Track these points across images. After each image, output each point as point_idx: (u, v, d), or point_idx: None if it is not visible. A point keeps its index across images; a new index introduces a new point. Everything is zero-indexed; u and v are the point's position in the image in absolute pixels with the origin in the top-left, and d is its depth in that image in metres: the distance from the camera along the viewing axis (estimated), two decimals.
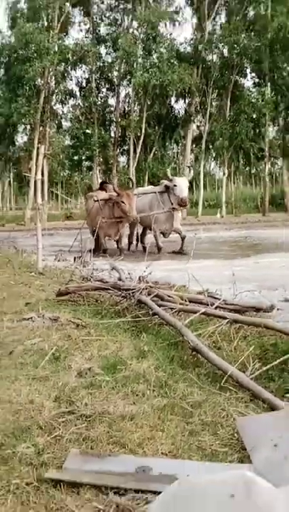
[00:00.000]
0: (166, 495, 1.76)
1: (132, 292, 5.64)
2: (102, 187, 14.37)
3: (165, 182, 12.82)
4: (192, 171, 19.25)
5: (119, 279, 6.66)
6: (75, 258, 10.42)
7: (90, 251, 12.43)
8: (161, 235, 12.92)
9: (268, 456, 2.32)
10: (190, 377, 3.55)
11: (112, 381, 3.49)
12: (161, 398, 3.20)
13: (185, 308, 5.06)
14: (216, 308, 5.00)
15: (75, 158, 33.88)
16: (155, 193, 12.77)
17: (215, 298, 5.41)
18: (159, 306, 5.12)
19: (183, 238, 12.65)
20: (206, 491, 1.74)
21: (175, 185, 12.27)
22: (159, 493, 1.85)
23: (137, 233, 13.37)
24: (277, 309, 5.17)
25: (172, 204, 12.33)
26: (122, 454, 2.58)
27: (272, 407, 2.97)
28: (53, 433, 2.78)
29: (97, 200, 12.03)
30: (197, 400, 3.16)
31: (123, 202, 11.49)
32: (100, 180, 33.86)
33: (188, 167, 23.56)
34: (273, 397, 3.08)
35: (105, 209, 11.89)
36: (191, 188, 34.94)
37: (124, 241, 13.14)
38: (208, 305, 5.06)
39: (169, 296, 5.47)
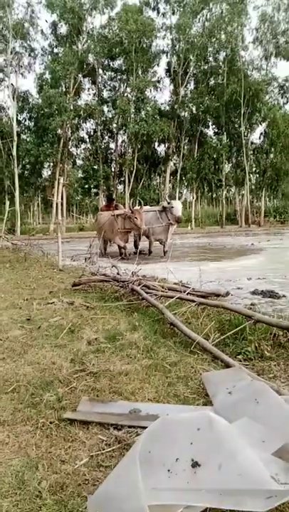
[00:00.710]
0: (151, 429, 1.76)
1: (127, 283, 5.63)
2: (110, 203, 14.17)
3: (164, 203, 12.50)
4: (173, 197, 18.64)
5: (118, 274, 6.64)
6: (85, 259, 10.37)
7: (98, 254, 12.37)
8: (158, 243, 12.59)
9: (225, 400, 2.32)
10: (169, 344, 3.55)
11: (112, 347, 3.49)
12: (148, 359, 3.20)
13: (165, 295, 5.05)
14: (187, 294, 5.00)
15: (86, 186, 33.73)
16: (155, 211, 12.41)
17: (186, 287, 5.41)
18: (147, 293, 5.11)
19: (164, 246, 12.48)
20: (180, 425, 1.74)
21: (172, 207, 11.93)
22: (147, 428, 1.85)
23: (135, 241, 13.00)
24: (231, 295, 5.18)
25: (169, 220, 12.01)
26: (119, 400, 2.57)
27: (228, 365, 2.97)
28: (69, 385, 2.77)
29: (114, 215, 11.60)
30: (174, 360, 3.16)
31: (136, 217, 11.12)
32: (103, 203, 34.01)
33: (169, 196, 23.29)
34: (228, 358, 3.09)
35: (119, 222, 11.53)
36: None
37: (128, 246, 12.62)
38: (181, 292, 5.06)
39: (153, 286, 5.45)
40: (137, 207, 12.08)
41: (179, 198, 35.83)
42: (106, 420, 2.32)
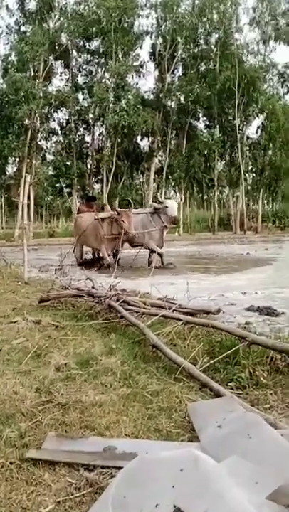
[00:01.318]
0: (127, 470, 1.76)
1: (104, 298, 5.62)
2: (89, 203, 14.12)
3: (154, 204, 12.48)
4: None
5: (93, 288, 6.63)
6: (56, 270, 10.32)
7: (77, 261, 12.37)
8: (138, 250, 12.58)
9: (213, 435, 2.33)
10: (150, 370, 3.55)
11: (85, 374, 3.46)
12: (126, 388, 3.19)
13: (147, 312, 5.05)
14: (172, 311, 5.01)
15: (57, 185, 33.70)
16: (146, 213, 12.35)
17: (172, 303, 5.42)
18: (126, 310, 5.10)
19: (159, 254, 12.33)
20: (160, 465, 1.75)
21: (166, 207, 11.89)
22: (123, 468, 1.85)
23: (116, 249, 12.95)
24: (223, 312, 5.22)
25: (163, 223, 11.95)
26: (91, 436, 2.56)
27: (218, 394, 2.98)
28: (34, 419, 2.75)
29: (98, 219, 11.40)
30: (156, 389, 3.15)
31: (123, 221, 10.99)
32: (78, 205, 33.94)
33: (154, 197, 23.31)
34: (218, 385, 3.10)
35: (105, 227, 11.37)
36: None
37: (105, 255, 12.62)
38: (166, 309, 5.08)
39: (134, 302, 5.45)
40: (123, 209, 11.93)
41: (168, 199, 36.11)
42: (76, 460, 2.31)
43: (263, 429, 2.17)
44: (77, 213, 14.05)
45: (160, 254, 12.12)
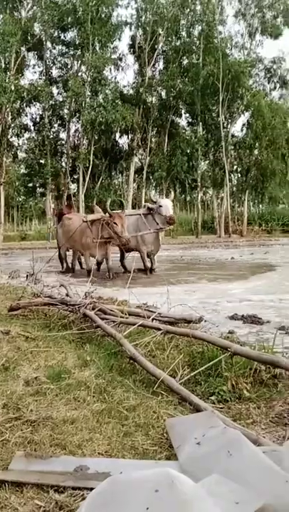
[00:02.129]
0: (98, 491, 1.75)
1: (78, 307, 5.60)
2: (69, 203, 14.05)
3: (148, 204, 12.29)
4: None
5: (67, 295, 6.60)
6: (27, 276, 10.23)
7: (68, 269, 12.30)
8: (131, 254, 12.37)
9: (192, 453, 2.34)
10: (127, 383, 3.54)
11: (56, 389, 3.44)
12: (100, 403, 3.18)
13: (125, 321, 5.05)
14: (152, 320, 5.01)
15: (30, 185, 33.53)
16: (140, 215, 12.06)
17: (151, 311, 5.44)
18: (102, 319, 5.10)
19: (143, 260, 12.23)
20: (134, 486, 1.74)
21: (160, 206, 11.66)
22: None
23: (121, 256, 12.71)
24: (205, 321, 5.24)
25: (158, 224, 11.73)
26: (62, 455, 2.54)
27: (198, 409, 2.99)
28: (0, 437, 2.72)
29: (86, 221, 11.16)
30: (132, 404, 3.15)
31: (115, 223, 10.68)
32: (52, 205, 33.79)
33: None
34: (199, 399, 3.11)
35: (93, 230, 11.10)
36: None
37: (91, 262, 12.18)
38: (145, 318, 5.08)
39: (111, 310, 5.45)
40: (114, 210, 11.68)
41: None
42: (45, 481, 2.29)
43: (244, 446, 2.18)
44: (58, 215, 13.82)
45: (147, 263, 12.04)
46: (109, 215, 10.97)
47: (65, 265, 12.79)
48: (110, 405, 3.14)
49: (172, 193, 14.20)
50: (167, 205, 11.79)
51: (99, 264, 11.89)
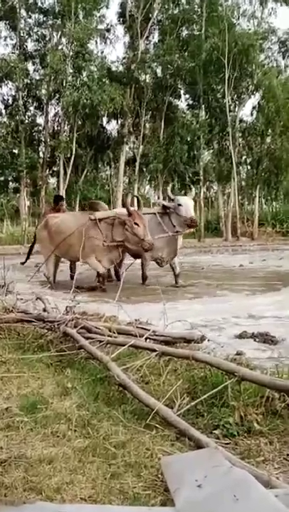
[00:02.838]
0: None
1: (58, 324, 5.59)
2: (58, 204, 13.77)
3: (162, 202, 12.06)
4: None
5: (45, 310, 6.60)
6: None
7: (51, 282, 11.84)
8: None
9: (192, 497, 2.34)
10: (115, 415, 3.54)
11: (31, 422, 3.44)
12: (83, 439, 3.18)
13: (113, 341, 5.06)
14: (145, 339, 5.03)
15: (1, 179, 33.50)
16: (154, 214, 11.67)
17: (145, 329, 5.45)
18: (86, 338, 5.10)
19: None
20: None
21: (180, 205, 11.34)
22: None
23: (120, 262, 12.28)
24: (208, 340, 5.25)
25: (175, 227, 11.43)
26: (38, 500, 2.54)
27: (199, 445, 3.00)
28: None
29: (95, 219, 10.78)
30: (121, 439, 3.15)
31: (136, 223, 10.37)
32: (27, 203, 33.71)
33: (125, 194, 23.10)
34: (200, 434, 3.11)
35: (103, 231, 10.79)
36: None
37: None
38: (137, 336, 5.09)
39: (96, 328, 5.46)
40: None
41: (137, 199, 36.34)
42: None
43: (253, 489, 2.19)
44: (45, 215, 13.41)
45: (144, 275, 11.84)
46: (128, 213, 10.63)
47: (51, 278, 12.24)
48: (95, 441, 3.13)
49: (193, 189, 13.54)
50: (187, 205, 11.50)
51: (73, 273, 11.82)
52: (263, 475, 2.53)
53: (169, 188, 12.92)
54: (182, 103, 36.16)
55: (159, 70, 33.33)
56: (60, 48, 31.96)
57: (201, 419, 3.47)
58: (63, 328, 5.41)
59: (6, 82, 32.79)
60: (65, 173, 31.36)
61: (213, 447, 2.88)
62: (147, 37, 33.70)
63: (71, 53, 30.33)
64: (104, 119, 34.02)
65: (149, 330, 5.34)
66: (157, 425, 3.32)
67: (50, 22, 32.45)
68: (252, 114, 35.43)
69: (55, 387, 4.17)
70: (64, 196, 28.57)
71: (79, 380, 4.33)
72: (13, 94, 33.29)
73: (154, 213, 11.76)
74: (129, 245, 10.79)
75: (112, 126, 35.31)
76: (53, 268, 12.25)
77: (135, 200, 10.88)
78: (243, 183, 36.64)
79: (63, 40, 31.92)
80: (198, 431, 3.18)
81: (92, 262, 11.21)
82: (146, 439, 3.14)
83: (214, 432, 3.29)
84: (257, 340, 6.13)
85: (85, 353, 4.91)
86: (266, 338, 6.13)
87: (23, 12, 32.50)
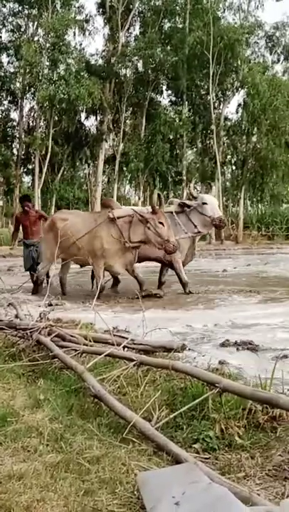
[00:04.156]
0: None
1: (30, 332, 5.57)
2: (24, 204, 12.34)
3: (174, 201, 11.74)
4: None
5: (17, 317, 6.56)
6: None
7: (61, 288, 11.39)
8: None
9: None
10: (90, 428, 3.53)
11: (1, 435, 3.42)
12: (56, 454, 3.17)
13: (89, 350, 5.04)
14: (123, 348, 5.02)
15: None
16: (171, 213, 11.13)
17: (122, 337, 5.44)
18: (61, 347, 5.08)
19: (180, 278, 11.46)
20: None
21: (205, 203, 11.05)
22: None
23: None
24: (189, 349, 5.26)
25: (196, 227, 11.10)
26: None
27: (178, 460, 3.00)
28: None
29: (114, 218, 10.29)
30: (96, 454, 3.14)
31: (161, 223, 10.05)
32: (0, 203, 33.59)
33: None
34: (179, 448, 3.11)
35: (123, 231, 10.35)
36: None
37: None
38: (114, 345, 5.08)
39: (71, 336, 5.44)
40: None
41: (118, 199, 36.29)
42: None
43: (233, 507, 2.20)
44: (18, 223, 12.43)
45: (183, 281, 11.27)
46: (152, 211, 10.26)
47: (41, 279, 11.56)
48: (68, 456, 3.12)
49: (214, 187, 12.84)
50: (213, 203, 11.28)
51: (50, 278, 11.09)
52: (243, 491, 2.53)
53: (191, 185, 12.56)
54: (164, 99, 36.42)
55: (140, 64, 33.46)
56: (35, 39, 31.92)
57: (180, 433, 3.47)
58: (36, 336, 5.39)
59: None
60: (41, 171, 31.28)
61: (192, 462, 2.88)
62: (128, 29, 33.83)
63: (47, 45, 30.31)
64: (83, 115, 34.15)
65: (127, 338, 5.33)
66: (134, 439, 3.32)
67: (26, 12, 32.45)
68: (237, 112, 35.79)
69: (26, 399, 4.14)
70: (39, 195, 28.58)
71: (52, 391, 4.31)
72: None
73: (171, 212, 11.26)
74: (148, 246, 10.52)
75: (90, 123, 35.43)
76: (63, 273, 11.76)
77: (155, 196, 10.10)
78: (228, 183, 36.84)
79: (39, 31, 31.96)
80: (177, 445, 3.18)
81: (97, 267, 10.74)
82: (122, 453, 3.13)
83: (194, 446, 3.29)
84: (240, 348, 6.15)
85: (59, 363, 4.89)
86: (250, 347, 6.16)
87: None
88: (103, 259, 10.52)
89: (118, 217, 10.32)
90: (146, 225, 10.11)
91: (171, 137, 33.23)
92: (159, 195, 10.72)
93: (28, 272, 12.09)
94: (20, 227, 12.40)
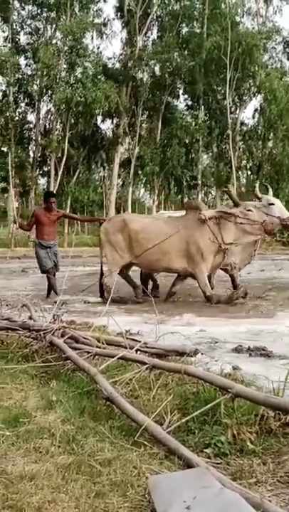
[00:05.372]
0: None
1: (44, 333, 5.58)
2: (50, 200, 11.35)
3: (246, 203, 10.91)
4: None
5: (30, 318, 6.58)
6: None
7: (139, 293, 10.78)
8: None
9: None
10: (102, 430, 3.53)
11: (13, 436, 3.42)
12: (67, 455, 3.17)
13: (101, 352, 5.04)
14: (135, 352, 5.01)
15: None
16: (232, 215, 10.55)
17: (136, 340, 5.43)
18: (73, 349, 5.08)
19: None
20: None
21: (272, 204, 10.70)
22: None
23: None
24: (202, 353, 5.25)
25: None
26: None
27: (189, 464, 2.99)
28: None
29: (205, 218, 9.97)
30: (107, 456, 3.14)
31: (249, 210, 9.96)
32: (15, 204, 33.70)
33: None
34: (190, 453, 3.10)
35: (216, 232, 10.05)
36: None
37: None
38: (127, 348, 5.08)
39: (84, 338, 5.44)
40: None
41: (133, 203, 36.26)
42: None
43: None
44: (35, 219, 11.38)
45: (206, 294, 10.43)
46: (235, 204, 10.14)
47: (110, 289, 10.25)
48: (80, 458, 3.12)
49: (270, 189, 12.30)
50: (279, 204, 10.96)
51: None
52: (255, 497, 2.52)
53: (257, 186, 12.19)
54: (181, 103, 36.47)
55: (157, 68, 33.54)
56: (53, 42, 32.08)
57: (191, 437, 3.45)
58: (49, 338, 5.40)
59: None
60: (56, 173, 31.41)
61: (203, 467, 2.88)
62: (146, 33, 33.90)
63: (65, 48, 30.46)
64: (99, 118, 34.26)
65: (139, 341, 5.33)
66: (145, 442, 3.31)
67: (44, 15, 32.65)
68: (253, 117, 35.71)
69: (39, 400, 4.15)
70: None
71: (64, 392, 4.32)
72: (3, 89, 33.39)
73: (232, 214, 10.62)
74: (248, 239, 10.34)
75: (106, 126, 35.53)
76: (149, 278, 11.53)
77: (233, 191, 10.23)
78: (243, 188, 36.72)
79: (57, 34, 32.06)
80: (189, 449, 3.17)
81: (201, 273, 10.23)
82: (134, 456, 3.13)
83: (205, 450, 3.28)
84: (253, 354, 6.12)
85: (72, 365, 4.89)
86: (263, 353, 6.13)
87: (17, 3, 32.64)
88: (204, 263, 10.18)
89: (210, 218, 10.06)
90: (236, 220, 10.03)
91: (186, 141, 33.26)
92: (227, 188, 10.66)
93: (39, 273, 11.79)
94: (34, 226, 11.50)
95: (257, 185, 12.27)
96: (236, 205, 10.08)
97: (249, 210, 10.03)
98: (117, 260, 10.50)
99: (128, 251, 10.49)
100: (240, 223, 9.97)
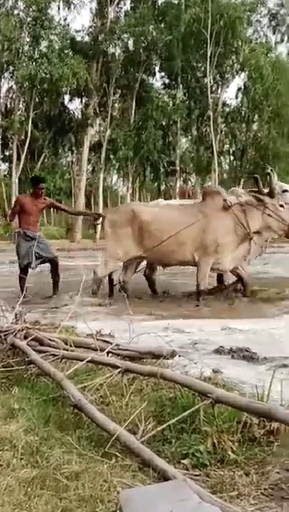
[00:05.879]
0: None
1: (4, 334, 5.55)
2: (40, 186, 10.89)
3: (238, 190, 11.11)
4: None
5: None
6: None
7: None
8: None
9: None
10: (69, 441, 3.52)
11: None
12: (31, 469, 3.16)
13: (69, 355, 5.03)
14: (107, 354, 5.01)
15: None
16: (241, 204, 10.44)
17: (107, 342, 5.43)
18: (38, 352, 5.07)
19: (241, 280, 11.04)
20: None
21: (286, 191, 10.52)
22: None
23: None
24: (179, 356, 5.26)
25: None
26: None
27: (165, 477, 3.00)
28: None
29: (230, 205, 10.00)
30: (75, 469, 3.13)
31: (282, 205, 9.99)
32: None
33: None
34: (166, 464, 3.11)
35: (242, 220, 10.04)
36: (88, 205, 35.42)
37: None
38: (98, 350, 5.07)
39: (50, 340, 5.43)
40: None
41: (105, 190, 36.17)
42: None
43: None
44: (19, 207, 10.96)
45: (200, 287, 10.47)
46: (270, 194, 10.10)
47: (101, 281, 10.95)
48: (44, 471, 3.11)
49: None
50: None
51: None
52: (236, 511, 2.55)
53: (114, 178, 12.15)
54: (157, 81, 36.49)
55: (130, 43, 33.51)
56: (15, 12, 31.76)
57: (168, 447, 3.46)
58: (11, 340, 5.37)
59: None
60: (19, 158, 31.25)
61: (180, 479, 2.89)
62: (118, 3, 33.80)
63: (28, 19, 30.21)
64: (66, 97, 34.15)
65: (111, 343, 5.33)
66: (117, 453, 3.31)
67: None
68: (236, 97, 35.86)
69: None
70: (16, 185, 28.46)
71: (28, 400, 4.30)
72: None
73: (239, 204, 10.57)
74: (267, 234, 10.45)
75: (74, 106, 35.41)
76: (127, 277, 11.21)
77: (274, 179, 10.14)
78: (225, 175, 36.90)
79: (19, 3, 31.76)
80: (165, 460, 3.17)
81: (206, 264, 10.29)
82: (104, 469, 3.13)
83: (183, 461, 3.28)
84: (235, 356, 6.15)
85: (36, 369, 4.88)
86: (246, 355, 6.16)
87: None
88: (215, 255, 10.20)
89: (235, 205, 10.08)
90: (264, 211, 10.04)
91: (163, 123, 33.29)
92: (269, 173, 10.55)
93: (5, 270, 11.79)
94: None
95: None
96: (271, 195, 10.04)
97: (281, 206, 10.05)
98: (123, 254, 10.53)
99: (138, 244, 10.45)
100: (268, 215, 10.01)
